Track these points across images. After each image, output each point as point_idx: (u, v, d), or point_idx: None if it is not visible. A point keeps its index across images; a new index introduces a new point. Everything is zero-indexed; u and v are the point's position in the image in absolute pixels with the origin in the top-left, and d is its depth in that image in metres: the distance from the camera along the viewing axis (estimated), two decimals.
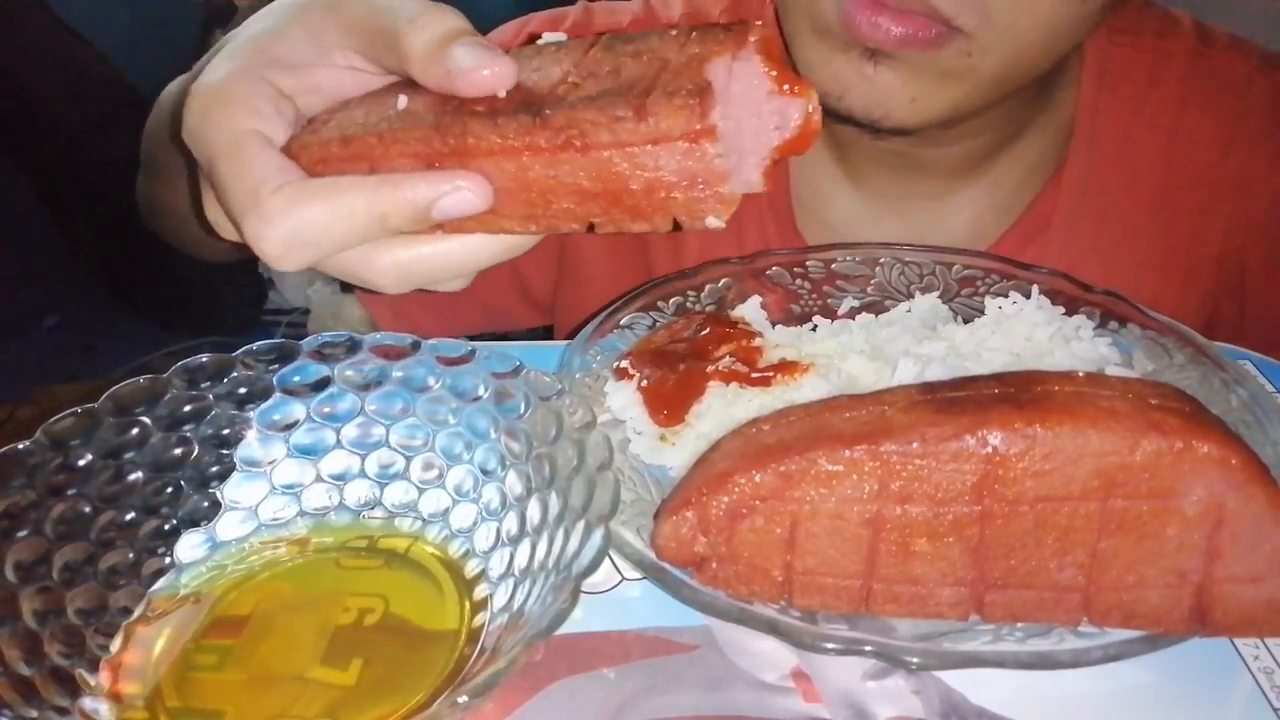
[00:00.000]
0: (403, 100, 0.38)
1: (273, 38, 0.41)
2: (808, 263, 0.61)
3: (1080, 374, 0.41)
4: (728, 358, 0.52)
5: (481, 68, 0.36)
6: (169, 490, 0.45)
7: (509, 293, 0.81)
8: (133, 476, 0.43)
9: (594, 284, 0.77)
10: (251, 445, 0.47)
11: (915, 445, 0.38)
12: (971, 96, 0.58)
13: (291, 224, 0.36)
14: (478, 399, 0.46)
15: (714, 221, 0.37)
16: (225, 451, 0.46)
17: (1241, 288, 0.71)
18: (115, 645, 0.41)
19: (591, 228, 0.38)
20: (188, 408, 0.45)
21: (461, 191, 0.36)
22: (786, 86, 0.37)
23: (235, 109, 0.38)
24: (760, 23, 0.37)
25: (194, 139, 0.39)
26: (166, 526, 0.44)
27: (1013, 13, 0.53)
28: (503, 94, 0.37)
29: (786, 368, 0.50)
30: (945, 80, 0.56)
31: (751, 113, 0.37)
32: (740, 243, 0.73)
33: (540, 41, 0.40)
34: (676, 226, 0.37)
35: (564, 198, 0.37)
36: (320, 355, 0.47)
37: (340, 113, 0.40)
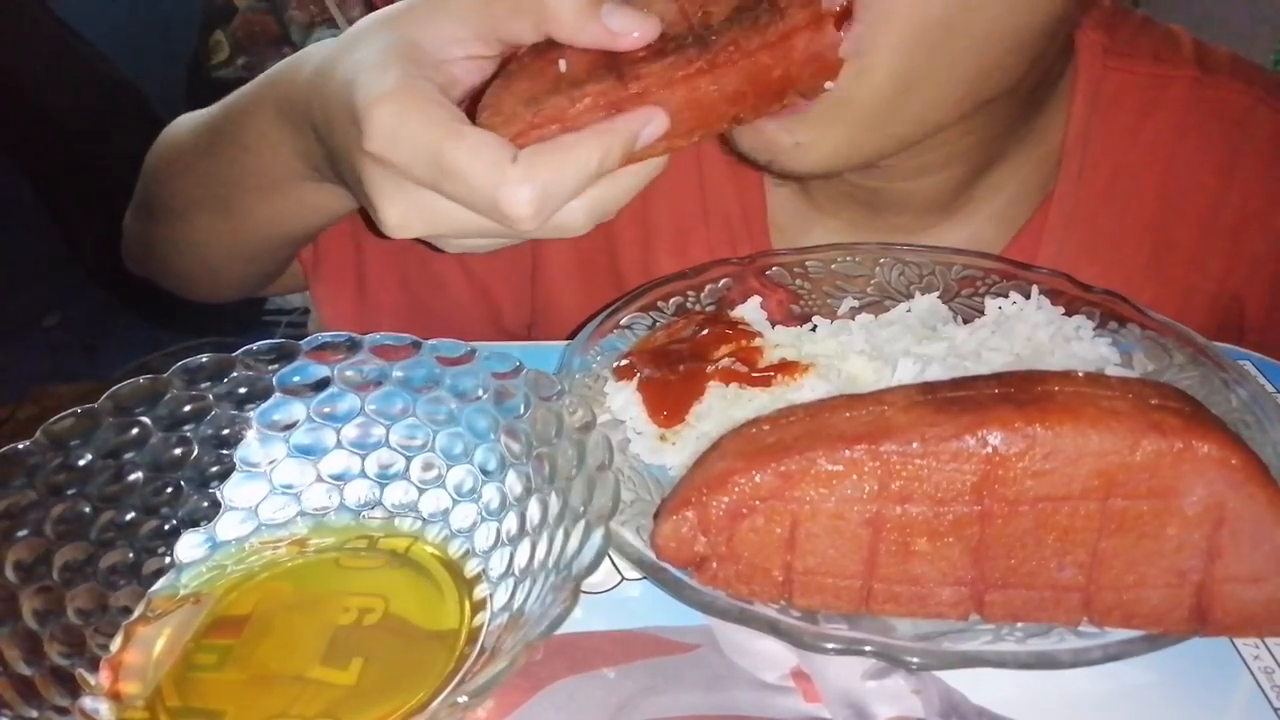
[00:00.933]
0: (562, 64, 0.45)
1: (409, 43, 0.46)
2: (808, 263, 0.61)
3: (1080, 374, 0.41)
4: (728, 358, 0.52)
5: (633, 29, 0.44)
6: (169, 490, 0.45)
7: (483, 324, 0.79)
8: (133, 476, 0.43)
9: (568, 313, 0.75)
10: (251, 445, 0.47)
11: (915, 445, 0.38)
12: (858, 135, 0.55)
13: (540, 185, 0.41)
14: (478, 399, 0.46)
15: (830, 85, 0.50)
16: (225, 451, 0.46)
17: (1240, 324, 0.69)
18: (115, 645, 0.41)
19: (738, 120, 0.48)
20: (188, 408, 0.45)
21: (654, 122, 0.44)
22: None
23: (431, 106, 0.43)
24: None
25: (395, 143, 0.42)
26: (166, 526, 0.44)
27: (876, 51, 0.51)
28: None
29: (786, 368, 0.50)
30: (824, 123, 0.54)
31: None
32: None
33: None
34: (808, 92, 0.50)
35: (722, 103, 0.46)
36: (320, 355, 0.47)
37: (498, 94, 0.45)
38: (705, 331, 0.54)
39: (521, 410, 0.45)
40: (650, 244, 0.73)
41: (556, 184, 0.42)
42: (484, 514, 0.46)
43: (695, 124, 0.46)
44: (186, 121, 0.67)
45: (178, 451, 0.45)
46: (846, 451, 0.39)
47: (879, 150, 0.57)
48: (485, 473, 0.46)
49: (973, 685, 0.39)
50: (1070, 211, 0.68)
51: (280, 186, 0.59)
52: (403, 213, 0.44)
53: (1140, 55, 0.68)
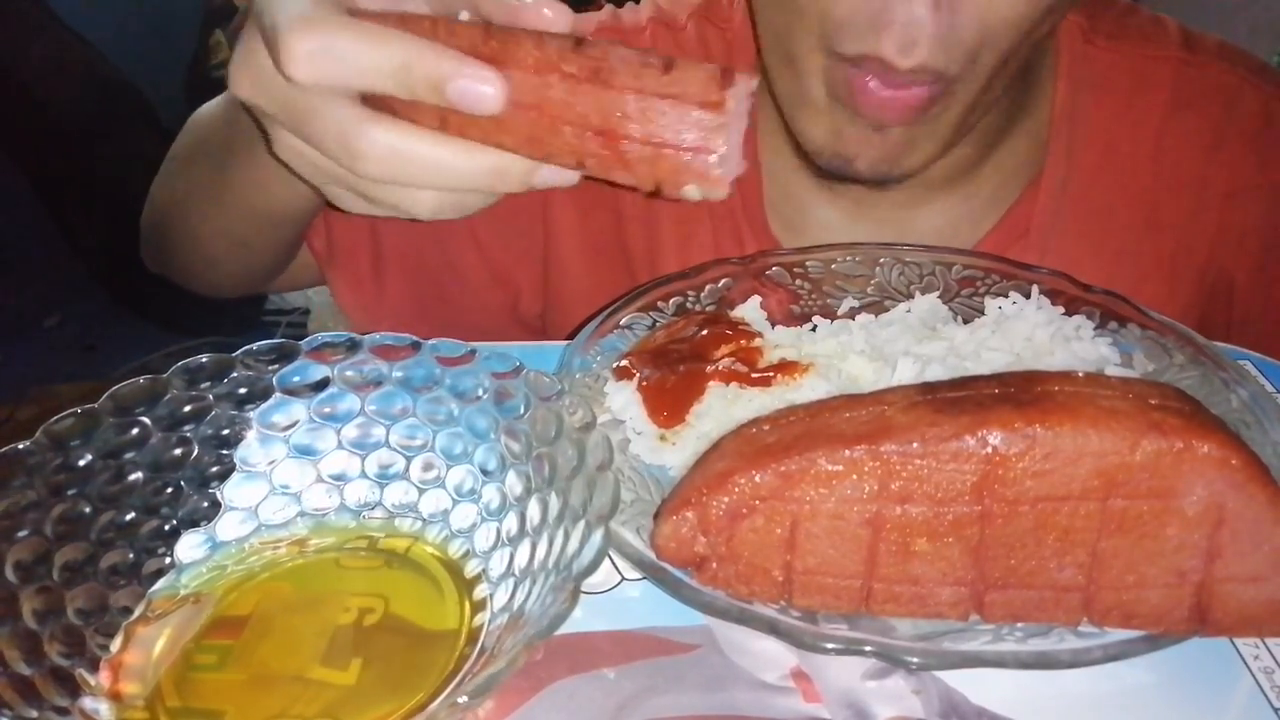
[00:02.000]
0: (464, 14, 0.42)
1: None
2: (808, 263, 0.61)
3: (1080, 374, 0.41)
4: (728, 358, 0.52)
5: (544, 5, 0.41)
6: (169, 490, 0.45)
7: (501, 313, 0.80)
8: (133, 476, 0.43)
9: (579, 297, 0.77)
10: (251, 445, 0.47)
11: (915, 445, 0.38)
12: (956, 127, 0.60)
13: (329, 34, 0.38)
14: (478, 399, 0.46)
15: (692, 192, 0.39)
16: (225, 451, 0.46)
17: (1229, 296, 0.71)
18: (115, 645, 0.41)
19: (581, 165, 0.40)
20: (188, 408, 0.45)
21: (483, 84, 0.38)
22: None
23: None
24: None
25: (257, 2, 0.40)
26: (166, 526, 0.44)
27: (985, 47, 0.55)
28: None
29: (786, 368, 0.50)
30: (937, 122, 0.59)
31: (740, 117, 0.39)
32: (716, 247, 0.73)
33: None
34: (655, 192, 0.40)
35: (569, 126, 0.39)
36: (320, 355, 0.47)
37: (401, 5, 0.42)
38: (705, 331, 0.54)
39: (521, 410, 0.45)
40: (655, 228, 0.74)
41: (347, 45, 0.39)
42: (484, 514, 0.46)
43: (534, 133, 0.40)
44: (209, 108, 0.68)
45: (178, 451, 0.45)
46: (846, 451, 0.39)
47: (968, 126, 0.61)
48: (485, 473, 0.46)
49: (973, 685, 0.39)
50: (1060, 188, 0.70)
51: (251, 147, 0.57)
52: (236, 63, 0.43)
53: (1128, 37, 0.71)
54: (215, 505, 0.46)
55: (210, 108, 0.66)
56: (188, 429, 0.45)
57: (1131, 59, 0.70)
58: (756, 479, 0.40)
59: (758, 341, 0.54)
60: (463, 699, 0.33)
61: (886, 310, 0.58)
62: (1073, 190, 0.70)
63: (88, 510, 0.42)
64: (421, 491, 0.47)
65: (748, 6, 0.70)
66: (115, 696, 0.39)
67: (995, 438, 0.38)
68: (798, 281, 0.61)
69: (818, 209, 0.73)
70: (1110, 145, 0.69)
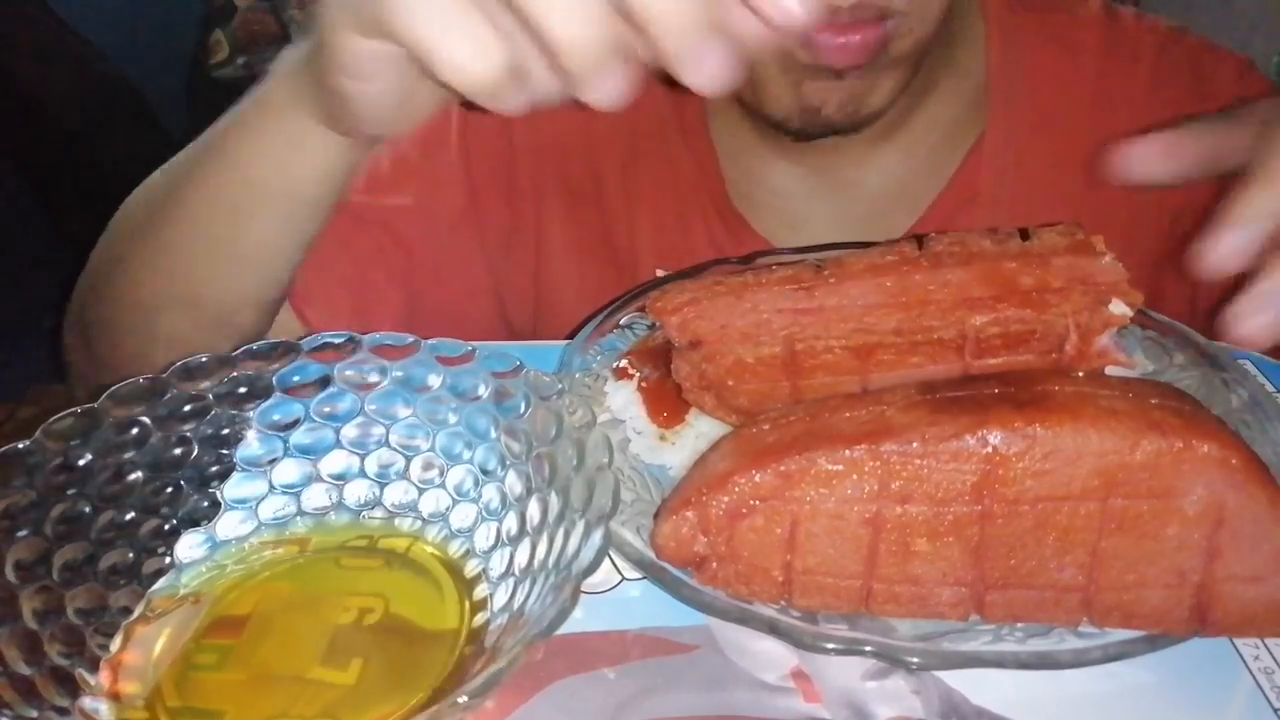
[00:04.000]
0: None
1: None
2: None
3: (1080, 374, 0.41)
4: None
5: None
6: (169, 490, 0.45)
7: (489, 319, 0.80)
8: (133, 476, 0.43)
9: (568, 301, 0.77)
10: (251, 445, 0.47)
11: (915, 445, 0.38)
12: (913, 61, 0.64)
13: None
14: (478, 399, 0.46)
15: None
16: (225, 451, 0.46)
17: (1191, 234, 0.71)
18: (115, 645, 0.41)
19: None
20: (188, 408, 0.45)
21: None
22: None
23: None
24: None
25: None
26: (166, 526, 0.44)
27: None
28: None
29: None
30: (893, 59, 0.62)
31: None
32: (685, 230, 0.74)
33: None
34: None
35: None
36: (320, 355, 0.47)
37: None
38: None
39: (521, 410, 0.45)
40: (634, 220, 0.75)
41: None
42: (484, 514, 0.46)
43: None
44: (145, 186, 0.65)
45: (178, 451, 0.45)
46: (846, 451, 0.39)
47: (917, 62, 0.65)
48: (485, 473, 0.46)
49: (973, 685, 0.39)
50: (1003, 147, 0.72)
51: (260, 119, 0.55)
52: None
53: (1050, 9, 0.74)
54: (215, 505, 0.46)
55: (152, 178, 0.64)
56: (188, 429, 0.45)
57: (1055, 25, 0.73)
58: (756, 479, 0.40)
59: None
60: (463, 699, 0.33)
61: None
62: (1016, 152, 0.72)
63: (88, 510, 0.42)
64: (421, 491, 0.47)
65: None
66: (115, 696, 0.39)
67: (995, 437, 0.38)
68: None
69: (775, 178, 0.74)
70: (1047, 104, 0.72)
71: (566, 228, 0.76)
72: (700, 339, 0.45)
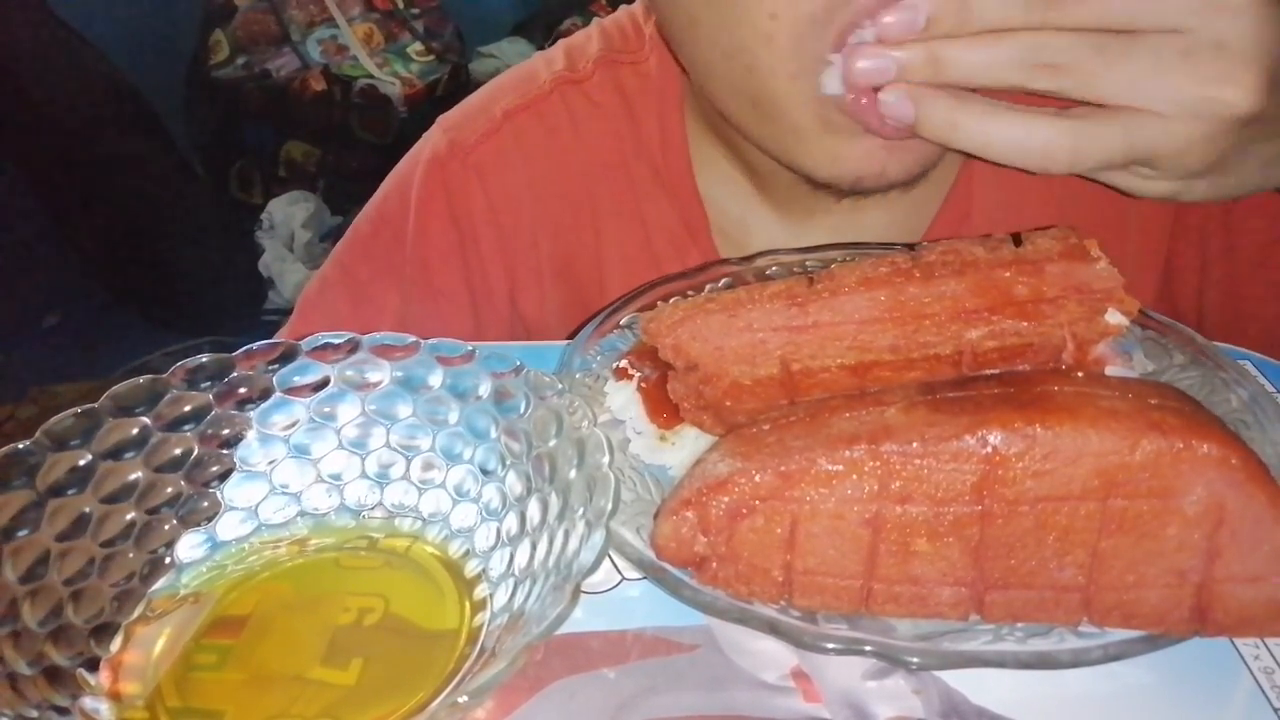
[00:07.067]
0: None
1: None
2: (807, 262, 0.61)
3: (1080, 374, 0.41)
4: None
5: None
6: (169, 490, 0.45)
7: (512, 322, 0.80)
8: (133, 476, 0.43)
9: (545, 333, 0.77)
10: (251, 445, 0.47)
11: (915, 445, 0.38)
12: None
13: None
14: (478, 399, 0.46)
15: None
16: (225, 451, 0.46)
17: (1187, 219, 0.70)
18: (115, 645, 0.41)
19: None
20: (188, 408, 0.45)
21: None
22: None
23: None
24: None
25: None
26: (166, 526, 0.44)
27: None
28: None
29: None
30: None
31: None
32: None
33: None
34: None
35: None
36: (320, 355, 0.47)
37: None
38: None
39: (521, 410, 0.45)
40: (601, 261, 0.75)
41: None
42: (484, 514, 0.46)
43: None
44: None
45: (178, 451, 0.45)
46: (846, 451, 0.39)
47: None
48: (485, 473, 0.46)
49: (973, 685, 0.39)
50: (991, 170, 0.70)
51: None
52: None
53: None
54: (215, 505, 0.46)
55: None
56: (188, 429, 0.45)
57: None
58: (756, 479, 0.40)
59: None
60: (463, 699, 0.33)
61: None
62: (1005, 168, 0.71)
63: (88, 510, 0.42)
64: (421, 491, 0.47)
65: (661, 34, 0.69)
66: (115, 696, 0.39)
67: (995, 438, 0.38)
68: None
69: (766, 228, 0.73)
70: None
71: (548, 255, 0.75)
72: (695, 362, 0.45)
